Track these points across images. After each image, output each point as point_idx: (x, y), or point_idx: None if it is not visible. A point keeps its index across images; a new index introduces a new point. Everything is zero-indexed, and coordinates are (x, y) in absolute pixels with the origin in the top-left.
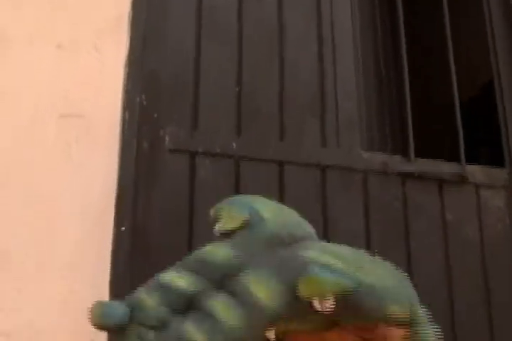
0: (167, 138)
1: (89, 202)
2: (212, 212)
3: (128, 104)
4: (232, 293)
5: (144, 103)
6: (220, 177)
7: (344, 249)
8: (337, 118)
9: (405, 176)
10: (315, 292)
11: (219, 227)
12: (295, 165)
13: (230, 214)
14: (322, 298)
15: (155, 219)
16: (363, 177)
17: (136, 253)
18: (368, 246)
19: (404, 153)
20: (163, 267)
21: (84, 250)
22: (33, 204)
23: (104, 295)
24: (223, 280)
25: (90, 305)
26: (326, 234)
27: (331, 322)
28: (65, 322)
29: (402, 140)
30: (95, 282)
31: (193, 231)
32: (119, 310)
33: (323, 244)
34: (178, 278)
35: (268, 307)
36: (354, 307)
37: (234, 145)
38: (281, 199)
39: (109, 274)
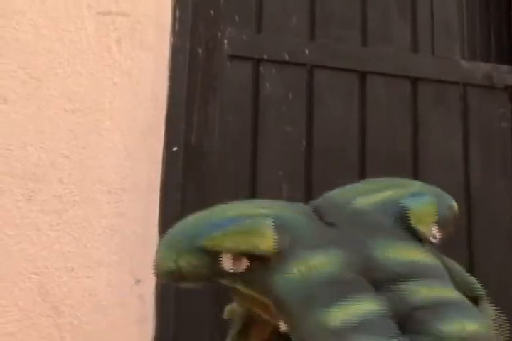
0: (226, 42)
1: (136, 118)
2: (187, 261)
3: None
4: (395, 280)
5: None
6: (290, 89)
7: (367, 183)
8: (432, 20)
9: None
10: (430, 220)
11: (262, 253)
12: (380, 75)
13: (247, 234)
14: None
15: (212, 138)
16: (462, 90)
17: (189, 177)
18: (467, 175)
19: None
20: (219, 194)
21: (131, 172)
22: (71, 117)
23: (154, 219)
24: (366, 279)
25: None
26: (415, 157)
27: None
28: (111, 246)
29: (509, 47)
30: (143, 206)
31: (257, 152)
32: None
33: (344, 189)
34: (362, 304)
35: (431, 261)
36: (444, 222)
37: (306, 51)
38: (363, 117)
39: (159, 199)
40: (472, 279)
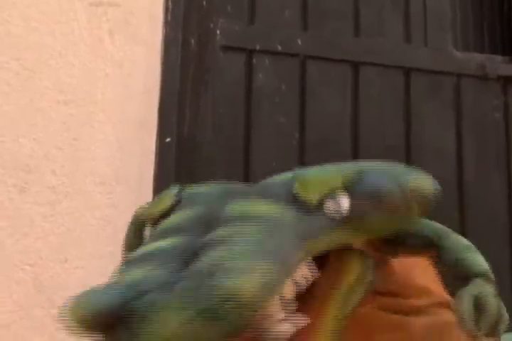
0: (219, 33)
1: (128, 109)
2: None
3: None
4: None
5: None
6: (282, 80)
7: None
8: (425, 11)
9: (507, 80)
10: (318, 190)
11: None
12: (373, 66)
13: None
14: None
15: (204, 129)
16: (456, 81)
17: (181, 169)
18: (460, 166)
19: (506, 53)
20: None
21: (123, 163)
22: (64, 109)
23: None
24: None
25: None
26: (408, 150)
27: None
28: (104, 237)
29: (502, 37)
30: (136, 198)
31: (250, 143)
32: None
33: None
34: (168, 240)
35: (281, 218)
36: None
37: (299, 41)
38: (356, 107)
39: (152, 190)
40: (474, 258)
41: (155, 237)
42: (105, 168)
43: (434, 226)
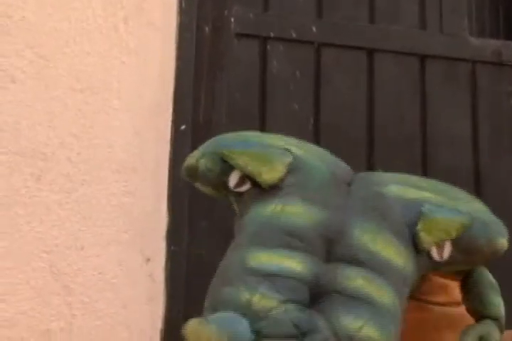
0: (233, 20)
1: (143, 96)
2: (205, 162)
3: None
4: (358, 262)
5: None
6: (297, 67)
7: (414, 178)
8: None
9: None
10: (438, 237)
11: (261, 181)
12: (388, 53)
13: (260, 160)
14: (441, 244)
15: (220, 116)
16: (471, 68)
17: None
18: (476, 153)
19: None
20: None
21: (139, 151)
22: (79, 97)
23: (163, 198)
24: (326, 247)
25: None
26: (423, 137)
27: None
28: (120, 225)
29: None
30: (152, 185)
31: (265, 130)
32: (240, 326)
33: (389, 174)
34: (288, 260)
35: (405, 271)
36: (468, 248)
37: (314, 29)
38: (371, 94)
39: (167, 177)
40: (494, 298)
41: (269, 236)
42: (121, 156)
43: None
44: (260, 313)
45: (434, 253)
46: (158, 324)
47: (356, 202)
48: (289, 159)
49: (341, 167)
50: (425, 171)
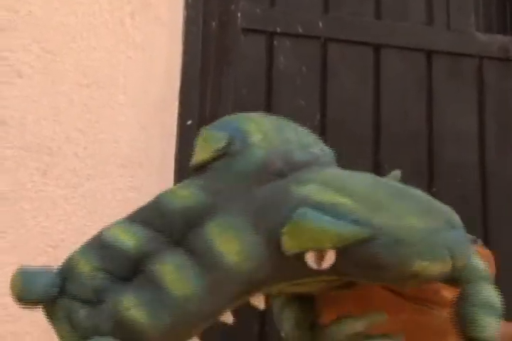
0: (239, 15)
1: (149, 91)
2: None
3: None
4: (191, 251)
5: None
6: (303, 62)
7: (360, 180)
8: None
9: None
10: (304, 244)
11: (191, 162)
12: (394, 48)
13: (203, 141)
14: (317, 251)
15: (226, 111)
16: (478, 64)
17: None
18: (482, 149)
19: None
20: None
21: (145, 146)
22: (85, 92)
23: None
24: (184, 233)
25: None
26: (430, 133)
27: (344, 281)
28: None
29: None
30: (158, 180)
31: None
32: (44, 279)
33: (333, 172)
34: (124, 234)
35: (240, 269)
36: (367, 264)
37: (320, 24)
38: (377, 90)
39: (173, 173)
40: (489, 323)
41: (145, 212)
42: (127, 151)
43: (470, 267)
44: (76, 275)
45: (309, 260)
46: None
47: (257, 196)
48: (222, 143)
49: (293, 157)
50: (431, 168)
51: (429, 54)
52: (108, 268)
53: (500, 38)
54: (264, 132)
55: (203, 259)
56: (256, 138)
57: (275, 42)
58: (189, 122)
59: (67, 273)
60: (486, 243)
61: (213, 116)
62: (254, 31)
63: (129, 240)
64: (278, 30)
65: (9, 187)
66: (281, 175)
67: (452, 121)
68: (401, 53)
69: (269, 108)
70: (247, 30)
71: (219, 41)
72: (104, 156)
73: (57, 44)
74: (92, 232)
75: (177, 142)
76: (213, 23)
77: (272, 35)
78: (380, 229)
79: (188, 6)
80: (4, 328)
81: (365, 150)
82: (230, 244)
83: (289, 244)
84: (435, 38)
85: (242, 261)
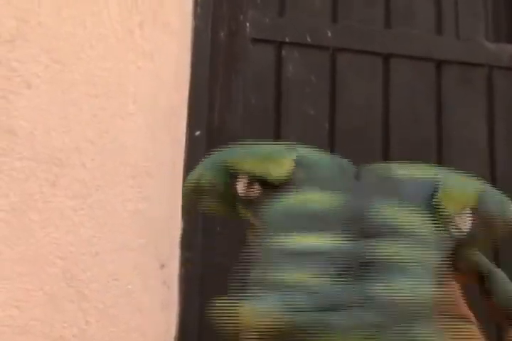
0: (248, 25)
1: (158, 101)
2: (208, 179)
3: None
4: (380, 235)
5: None
6: (312, 72)
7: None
8: (456, 1)
9: None
10: (462, 202)
11: (272, 179)
12: (403, 58)
13: (266, 161)
14: (461, 214)
15: (235, 122)
16: (488, 73)
17: None
18: (493, 158)
19: None
20: None
21: (155, 156)
22: (94, 102)
23: (178, 203)
24: (350, 227)
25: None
26: (439, 142)
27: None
28: (135, 230)
29: None
30: (167, 190)
31: (281, 135)
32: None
33: (394, 164)
34: (322, 239)
35: (431, 234)
36: (484, 218)
37: (329, 33)
38: (386, 100)
39: (182, 182)
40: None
41: (298, 222)
42: (136, 161)
43: (485, 259)
44: (307, 289)
45: (458, 222)
46: (173, 331)
47: (368, 185)
48: (293, 155)
49: (344, 161)
50: None
51: (439, 63)
52: (329, 272)
53: (510, 48)
54: (298, 147)
55: (401, 238)
56: (302, 151)
57: (284, 52)
58: (197, 133)
59: (294, 291)
60: (497, 250)
61: (222, 126)
62: (263, 41)
63: (329, 242)
64: (287, 39)
65: (18, 198)
66: (353, 172)
67: (462, 131)
68: (410, 63)
69: (278, 118)
70: (255, 40)
71: (228, 51)
72: (113, 167)
73: (66, 54)
74: (101, 243)
75: (186, 152)
76: (222, 33)
77: (280, 44)
78: (482, 186)
79: (197, 16)
80: (14, 339)
81: (375, 159)
82: (409, 220)
83: (448, 207)
84: (445, 47)
85: (429, 231)
